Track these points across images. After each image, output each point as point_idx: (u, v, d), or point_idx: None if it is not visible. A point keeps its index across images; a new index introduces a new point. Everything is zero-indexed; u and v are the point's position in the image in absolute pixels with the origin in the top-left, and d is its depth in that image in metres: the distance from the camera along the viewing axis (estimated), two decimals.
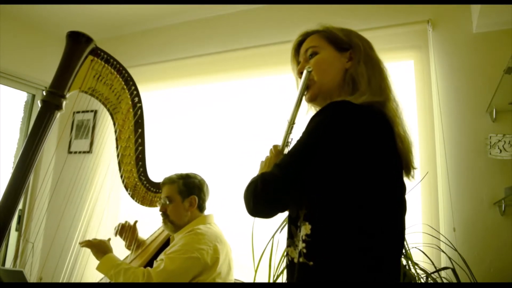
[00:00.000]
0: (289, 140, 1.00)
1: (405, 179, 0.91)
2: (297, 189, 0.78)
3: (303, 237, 0.79)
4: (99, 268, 1.51)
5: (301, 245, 0.79)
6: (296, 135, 0.98)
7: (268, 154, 1.04)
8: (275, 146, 1.02)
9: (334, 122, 0.77)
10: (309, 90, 0.93)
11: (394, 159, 0.85)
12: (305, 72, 0.89)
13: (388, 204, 0.80)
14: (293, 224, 0.86)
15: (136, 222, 1.83)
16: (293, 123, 0.96)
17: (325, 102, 0.91)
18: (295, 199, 0.82)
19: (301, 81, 0.91)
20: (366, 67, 0.91)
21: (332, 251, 0.76)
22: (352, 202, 0.77)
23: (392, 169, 0.84)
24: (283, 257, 1.58)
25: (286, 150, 1.01)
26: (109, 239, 1.64)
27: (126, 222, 1.81)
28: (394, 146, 0.84)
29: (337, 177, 0.77)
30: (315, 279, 0.76)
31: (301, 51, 1.00)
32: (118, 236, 1.81)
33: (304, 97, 0.94)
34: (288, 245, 0.87)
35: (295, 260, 0.82)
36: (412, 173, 0.92)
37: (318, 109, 0.99)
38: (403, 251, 1.49)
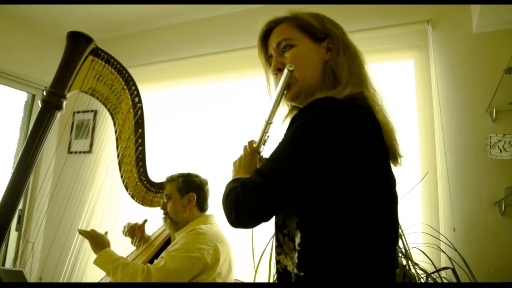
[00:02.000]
0: (266, 138, 0.94)
1: (395, 169, 0.86)
2: (282, 197, 0.71)
3: (296, 247, 0.73)
4: (96, 262, 1.51)
5: (295, 255, 0.74)
6: (273, 133, 0.94)
7: (242, 152, 0.98)
8: (250, 143, 0.96)
9: (319, 123, 0.71)
10: (291, 89, 0.85)
11: (384, 155, 0.79)
12: (286, 71, 0.81)
13: (381, 206, 0.75)
14: (280, 232, 0.80)
15: (145, 221, 1.84)
16: (271, 122, 0.91)
17: (307, 99, 0.86)
18: (280, 208, 0.76)
19: (281, 80, 0.83)
20: (345, 56, 0.85)
21: (322, 261, 0.70)
22: (343, 208, 0.71)
23: (383, 168, 0.79)
24: None
25: (262, 148, 0.97)
26: (106, 233, 1.64)
27: (136, 223, 1.82)
28: (382, 141, 0.78)
29: (326, 181, 0.71)
30: None
31: (271, 42, 0.91)
32: (117, 235, 1.81)
33: (284, 96, 0.87)
34: (279, 253, 0.81)
35: (289, 268, 0.77)
36: (399, 160, 0.86)
37: (297, 106, 0.93)
38: (403, 251, 1.49)
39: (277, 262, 0.81)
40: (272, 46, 0.91)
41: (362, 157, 0.72)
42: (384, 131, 0.79)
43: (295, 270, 0.73)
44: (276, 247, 0.82)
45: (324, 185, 0.71)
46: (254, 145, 0.95)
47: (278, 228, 0.80)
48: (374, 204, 0.74)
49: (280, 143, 0.75)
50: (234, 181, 0.84)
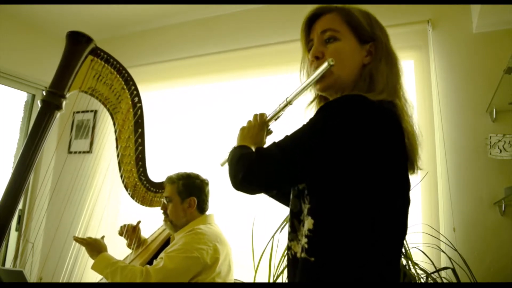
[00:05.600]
0: (280, 115, 0.95)
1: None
2: (294, 175, 0.75)
3: (306, 232, 0.77)
4: (94, 267, 1.50)
5: (303, 240, 0.77)
6: (288, 113, 0.95)
7: (251, 119, 0.99)
8: (261, 114, 0.97)
9: (345, 116, 0.73)
10: (324, 80, 0.86)
11: (402, 157, 0.83)
12: (326, 64, 0.81)
13: (394, 202, 0.79)
14: (295, 218, 0.84)
15: (139, 222, 1.83)
16: (291, 103, 0.91)
17: (336, 94, 0.89)
18: (285, 183, 0.79)
19: (318, 70, 0.84)
20: (386, 65, 0.87)
21: (334, 247, 0.74)
22: (356, 198, 0.75)
23: (400, 167, 0.82)
24: (283, 257, 1.58)
25: (271, 123, 0.98)
26: (103, 237, 1.63)
27: (129, 224, 1.81)
28: (403, 144, 0.82)
29: (343, 172, 0.75)
30: (316, 275, 0.74)
31: (316, 28, 0.90)
32: (118, 235, 1.81)
33: (314, 85, 0.88)
34: (291, 239, 0.84)
35: (298, 255, 0.80)
36: (415, 172, 0.91)
37: (323, 96, 0.96)
38: (403, 251, 1.49)
39: (288, 248, 0.85)
40: (316, 32, 0.90)
41: (378, 154, 0.75)
42: (408, 140, 0.84)
43: (303, 255, 0.76)
44: (289, 233, 0.85)
45: (338, 175, 0.75)
46: (265, 118, 0.96)
47: (294, 214, 0.84)
48: (385, 198, 0.77)
49: (303, 126, 0.77)
50: (243, 147, 0.87)
